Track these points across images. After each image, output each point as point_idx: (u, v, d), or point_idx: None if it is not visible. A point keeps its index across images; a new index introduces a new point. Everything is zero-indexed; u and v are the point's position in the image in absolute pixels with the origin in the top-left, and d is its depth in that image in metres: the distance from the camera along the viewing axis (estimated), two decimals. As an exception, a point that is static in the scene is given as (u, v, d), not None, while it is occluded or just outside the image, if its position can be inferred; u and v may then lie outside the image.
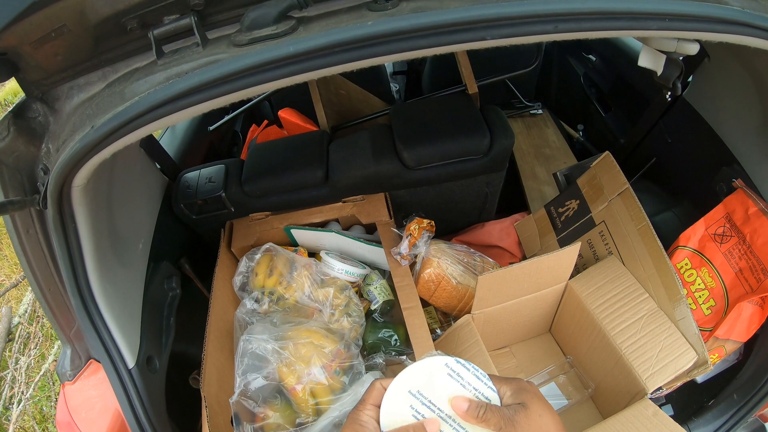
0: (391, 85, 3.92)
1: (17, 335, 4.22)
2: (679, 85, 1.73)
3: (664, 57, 1.52)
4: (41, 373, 3.89)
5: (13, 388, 3.85)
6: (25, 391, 3.77)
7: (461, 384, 0.99)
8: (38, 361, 4.05)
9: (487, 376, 1.01)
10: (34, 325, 4.27)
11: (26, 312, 4.41)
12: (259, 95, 1.16)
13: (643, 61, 1.58)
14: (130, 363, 1.55)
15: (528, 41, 1.04)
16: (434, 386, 0.99)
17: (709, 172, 2.03)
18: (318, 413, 1.78)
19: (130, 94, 1.08)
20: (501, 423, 0.92)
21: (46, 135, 1.26)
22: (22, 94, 1.24)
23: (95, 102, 1.17)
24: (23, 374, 3.89)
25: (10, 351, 4.13)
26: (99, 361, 1.53)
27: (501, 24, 0.98)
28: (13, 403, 3.75)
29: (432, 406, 0.98)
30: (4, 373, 3.97)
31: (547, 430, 0.94)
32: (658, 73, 1.60)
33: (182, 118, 1.09)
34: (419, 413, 0.98)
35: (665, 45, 1.40)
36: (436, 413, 0.98)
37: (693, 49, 1.32)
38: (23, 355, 4.07)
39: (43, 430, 3.60)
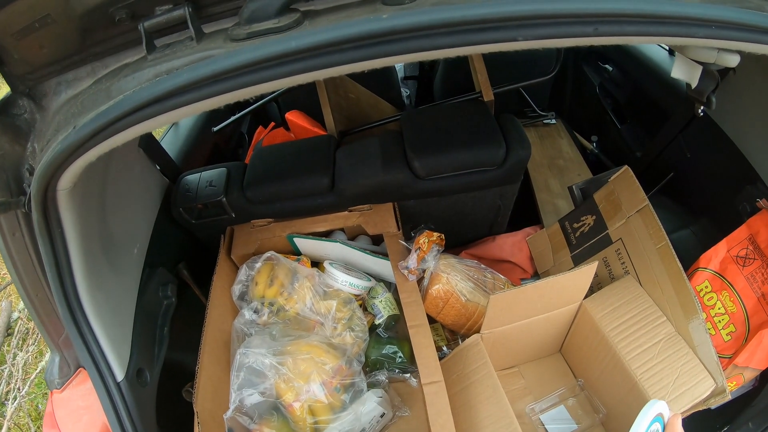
0: (402, 89, 3.89)
1: (16, 330, 4.22)
2: (714, 99, 1.67)
3: (700, 68, 1.45)
4: (38, 370, 3.89)
5: (9, 383, 3.84)
6: (21, 388, 3.75)
7: None
8: (36, 358, 4.04)
9: None
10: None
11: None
12: (264, 95, 1.10)
13: (677, 73, 1.51)
14: (119, 376, 1.51)
15: (563, 44, 0.97)
16: None
17: (730, 189, 1.98)
18: (315, 432, 1.74)
19: (116, 92, 1.03)
20: None
21: (32, 133, 1.22)
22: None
23: (80, 99, 1.13)
24: (20, 370, 3.88)
25: (8, 346, 4.12)
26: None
27: (536, 23, 0.91)
28: (8, 399, 3.72)
29: None
30: (2, 368, 3.96)
31: None
32: (693, 86, 1.53)
33: (174, 119, 1.02)
34: None
35: (704, 55, 1.33)
36: None
37: (734, 60, 1.25)
38: (21, 350, 4.06)
39: (38, 427, 3.60)
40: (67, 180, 1.17)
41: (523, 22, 0.90)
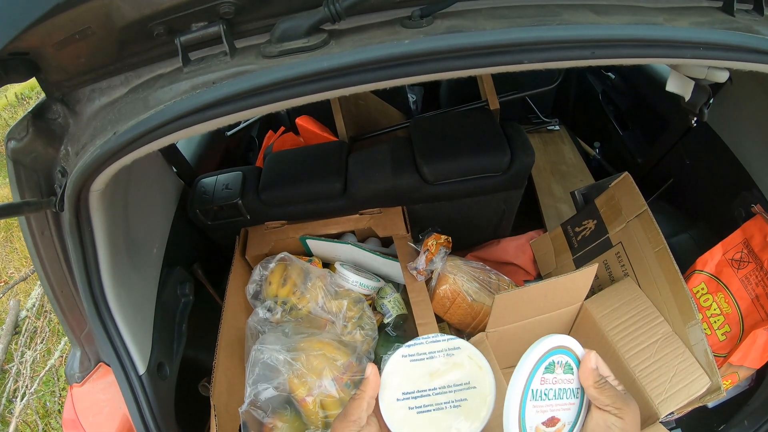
0: (409, 95, 3.92)
1: (24, 329, 4.23)
2: (706, 111, 1.71)
3: (692, 83, 1.50)
4: (46, 368, 3.89)
5: (17, 381, 3.86)
6: (29, 386, 3.77)
7: (428, 357, 1.06)
8: (44, 356, 4.05)
9: (438, 334, 1.09)
10: (41, 320, 4.27)
11: (34, 306, 4.41)
12: (287, 107, 1.14)
13: (672, 86, 1.56)
14: (141, 369, 1.54)
15: (564, 65, 1.03)
16: (412, 377, 1.05)
17: (727, 195, 2.01)
18: (327, 426, 1.77)
19: (154, 102, 1.07)
20: (619, 400, 0.93)
21: (66, 137, 1.25)
22: (39, 89, 1.23)
23: (117, 107, 1.16)
24: (28, 368, 3.90)
25: (16, 344, 4.13)
26: (109, 366, 1.52)
27: (540, 48, 0.97)
28: (16, 397, 3.75)
29: (423, 392, 1.05)
30: (9, 366, 3.98)
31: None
32: (686, 99, 1.58)
33: (206, 129, 1.07)
34: (420, 406, 1.04)
35: (695, 72, 1.38)
36: (432, 394, 1.04)
37: (723, 76, 1.31)
38: (29, 349, 4.08)
39: (46, 425, 3.61)
40: (100, 182, 1.21)
41: (528, 47, 0.96)
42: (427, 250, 2.01)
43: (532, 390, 0.97)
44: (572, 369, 1.00)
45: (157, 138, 1.08)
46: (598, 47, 0.98)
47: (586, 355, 0.99)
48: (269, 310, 2.01)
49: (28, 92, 7.24)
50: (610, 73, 3.31)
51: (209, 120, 1.04)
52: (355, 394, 1.00)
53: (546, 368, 0.98)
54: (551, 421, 0.98)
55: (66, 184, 1.21)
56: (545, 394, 0.98)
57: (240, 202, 2.12)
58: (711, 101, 1.95)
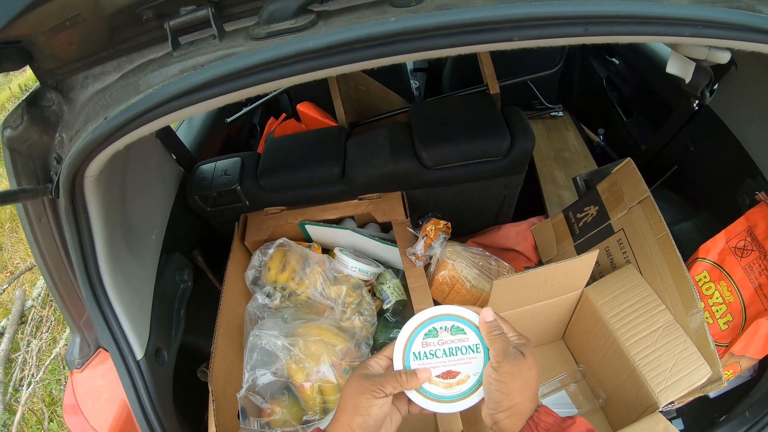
0: (411, 82, 3.90)
1: (30, 318, 4.26)
2: (708, 94, 1.69)
3: (693, 64, 1.49)
4: (52, 356, 3.92)
5: (23, 370, 3.89)
6: (35, 374, 3.80)
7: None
8: (49, 345, 4.08)
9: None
10: (46, 309, 4.30)
11: (39, 295, 4.45)
12: (276, 89, 1.15)
13: (672, 68, 1.55)
14: (139, 355, 1.54)
15: (556, 44, 1.02)
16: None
17: (731, 183, 1.99)
18: (325, 411, 1.78)
19: (144, 86, 1.07)
20: (501, 352, 1.08)
21: (60, 124, 1.25)
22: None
23: (109, 93, 1.17)
24: (34, 357, 3.93)
25: (22, 333, 4.17)
26: (108, 351, 1.52)
27: (530, 25, 0.96)
28: (23, 385, 3.77)
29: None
30: (16, 355, 4.01)
31: (526, 383, 1.07)
32: (687, 81, 1.57)
33: (197, 112, 1.07)
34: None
35: (696, 52, 1.37)
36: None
37: (724, 57, 1.29)
38: (35, 338, 4.11)
39: (52, 413, 3.63)
40: (94, 168, 1.22)
41: (518, 24, 0.95)
42: (426, 235, 2.00)
43: (414, 353, 1.15)
44: (463, 330, 1.16)
45: (147, 122, 1.08)
46: (591, 24, 0.96)
47: (482, 311, 1.16)
48: (268, 295, 2.02)
49: (31, 83, 7.26)
50: (614, 59, 3.30)
51: (198, 103, 1.04)
52: (398, 375, 1.10)
53: (426, 334, 1.16)
54: (449, 374, 1.13)
55: (61, 170, 1.22)
56: (431, 354, 1.14)
57: (239, 188, 2.11)
58: (714, 84, 1.94)
